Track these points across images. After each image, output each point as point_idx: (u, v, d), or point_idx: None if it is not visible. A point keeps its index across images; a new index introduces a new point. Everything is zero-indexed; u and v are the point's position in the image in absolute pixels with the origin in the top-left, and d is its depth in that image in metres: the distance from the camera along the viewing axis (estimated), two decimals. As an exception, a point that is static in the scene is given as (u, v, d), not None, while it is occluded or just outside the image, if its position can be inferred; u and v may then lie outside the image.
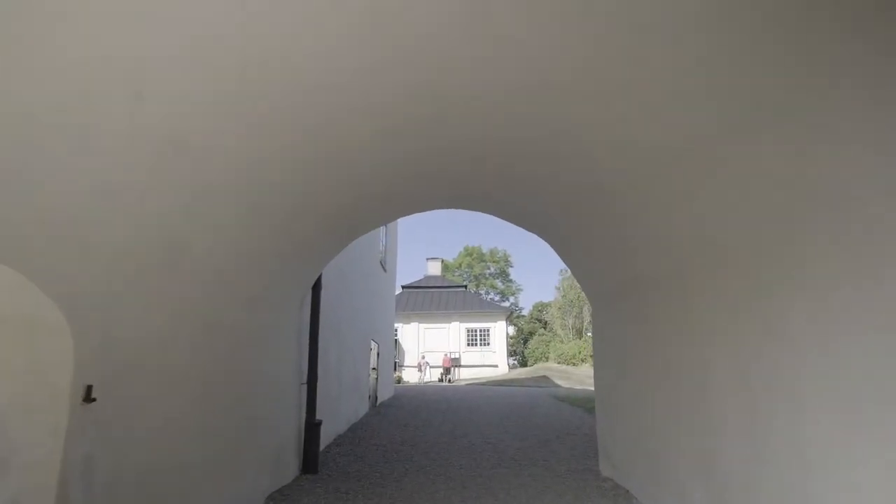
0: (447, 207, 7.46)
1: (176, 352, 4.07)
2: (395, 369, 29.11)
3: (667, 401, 4.77)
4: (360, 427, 10.63)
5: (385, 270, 16.74)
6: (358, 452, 8.40)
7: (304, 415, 7.29)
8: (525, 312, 55.70)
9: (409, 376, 33.38)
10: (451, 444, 8.94)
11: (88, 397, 3.00)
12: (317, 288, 7.56)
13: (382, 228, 16.35)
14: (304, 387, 7.35)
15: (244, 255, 4.84)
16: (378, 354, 15.04)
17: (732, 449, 3.74)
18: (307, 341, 7.48)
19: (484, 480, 6.74)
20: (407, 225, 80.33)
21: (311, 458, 7.10)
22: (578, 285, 35.58)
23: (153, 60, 2.78)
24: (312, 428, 7.17)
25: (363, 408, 12.28)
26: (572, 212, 5.65)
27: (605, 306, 6.70)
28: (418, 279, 41.75)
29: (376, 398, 14.46)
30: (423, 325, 36.72)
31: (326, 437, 8.77)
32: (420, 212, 7.50)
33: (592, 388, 23.92)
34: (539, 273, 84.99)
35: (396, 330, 34.25)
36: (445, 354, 34.24)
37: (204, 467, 4.54)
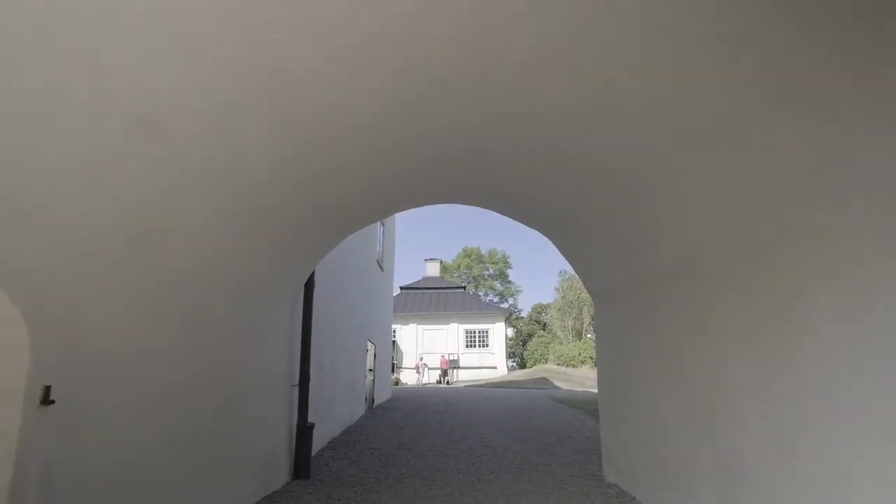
0: (445, 202, 7.19)
1: (153, 349, 3.79)
2: (392, 371, 28.83)
3: (678, 404, 4.50)
4: (355, 430, 10.34)
5: (382, 270, 16.45)
6: (352, 456, 8.11)
7: (295, 417, 7.00)
8: (524, 314, 55.45)
9: (408, 378, 33.07)
10: (449, 448, 8.65)
11: (46, 399, 2.72)
12: (309, 286, 7.28)
13: (379, 227, 16.07)
14: (296, 388, 7.06)
15: (228, 249, 4.56)
16: (375, 355, 14.75)
17: (754, 458, 3.46)
18: (299, 341, 7.19)
19: (483, 486, 6.46)
20: (405, 225, 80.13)
21: (302, 463, 6.81)
22: (578, 286, 35.38)
23: (120, 33, 2.51)
24: (304, 431, 6.89)
25: (359, 410, 11.99)
26: (575, 203, 5.38)
27: (610, 304, 6.42)
28: (417, 280, 41.48)
29: (373, 400, 14.17)
30: (421, 327, 36.42)
31: (320, 440, 8.48)
32: (417, 206, 7.23)
33: (593, 390, 23.72)
34: (538, 275, 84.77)
35: (394, 331, 33.97)
36: (442, 356, 33.94)
37: (185, 473, 4.26)
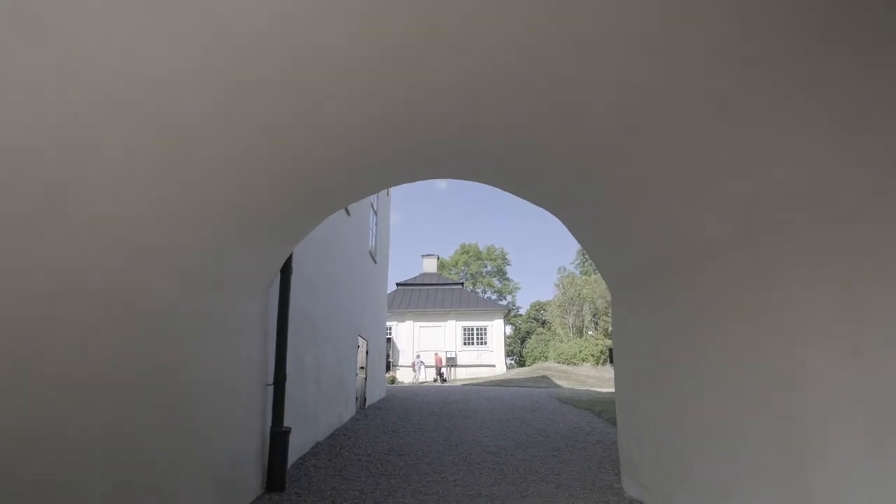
0: (444, 176, 6.31)
1: (61, 344, 2.91)
2: (388, 369, 27.97)
3: (728, 408, 3.62)
4: (342, 433, 9.46)
5: (375, 262, 15.56)
6: (337, 464, 7.23)
7: (269, 422, 6.11)
8: (522, 311, 54.64)
9: (404, 376, 32.24)
10: (445, 454, 7.78)
11: None
12: (286, 271, 6.39)
13: (372, 218, 15.19)
14: (271, 388, 6.17)
15: (170, 216, 3.67)
16: (367, 352, 13.86)
17: (848, 484, 2.59)
18: (275, 335, 6.31)
19: (484, 501, 5.59)
20: (402, 220, 79.26)
21: (276, 473, 5.92)
22: (579, 283, 34.61)
23: None
24: (278, 437, 6.00)
25: (348, 411, 11.11)
26: (594, 170, 4.49)
27: (632, 291, 5.55)
28: (414, 276, 40.62)
29: (365, 400, 13.29)
30: (418, 324, 35.58)
31: (302, 445, 7.60)
32: (413, 181, 6.33)
33: (596, 389, 22.89)
34: (536, 272, 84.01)
35: (390, 328, 33.12)
36: (436, 353, 33.20)
37: (115, 492, 3.37)
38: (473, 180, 6.19)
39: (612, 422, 10.44)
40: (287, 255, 6.24)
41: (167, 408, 4.03)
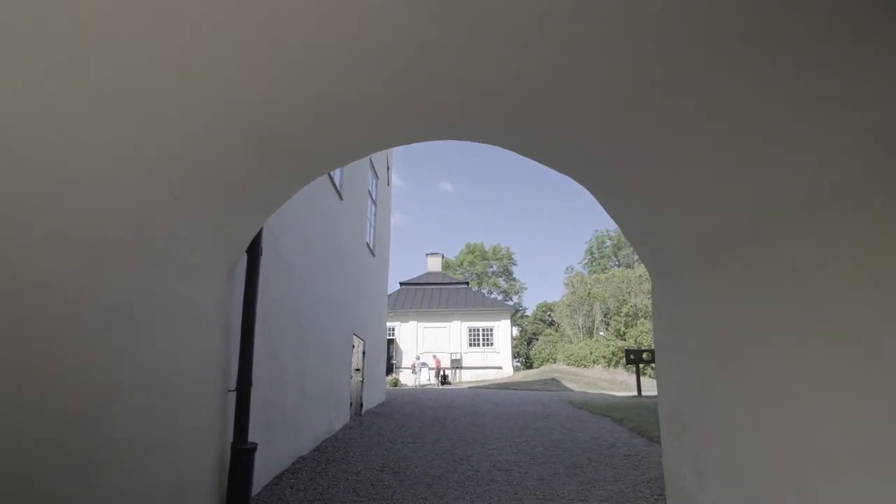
0: (450, 137, 5.14)
1: None
2: (391, 371, 26.86)
3: (850, 426, 2.46)
4: (332, 444, 8.31)
5: (374, 256, 14.43)
6: (320, 485, 6.08)
7: (230, 436, 4.98)
8: (529, 313, 53.44)
9: (408, 379, 31.16)
10: (449, 472, 6.62)
11: None
12: (254, 252, 5.26)
13: (370, 206, 14.06)
14: (234, 395, 5.05)
15: (82, 167, 2.55)
16: (364, 353, 12.72)
17: None
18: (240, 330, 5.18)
19: (496, 538, 4.44)
20: (405, 218, 78.32)
21: (237, 500, 4.79)
22: (588, 282, 33.56)
23: None
24: (241, 455, 4.85)
25: (341, 418, 9.97)
26: (636, 118, 3.34)
27: (685, 274, 4.38)
28: (418, 275, 39.55)
29: (361, 405, 12.14)
30: (422, 325, 34.51)
31: (280, 461, 6.47)
32: (413, 141, 5.14)
33: (609, 392, 21.62)
34: (543, 273, 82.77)
35: (392, 329, 32.06)
36: (434, 355, 32.22)
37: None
38: (484, 141, 5.04)
39: (638, 431, 9.26)
40: (254, 232, 5.10)
41: (67, 419, 2.91)
